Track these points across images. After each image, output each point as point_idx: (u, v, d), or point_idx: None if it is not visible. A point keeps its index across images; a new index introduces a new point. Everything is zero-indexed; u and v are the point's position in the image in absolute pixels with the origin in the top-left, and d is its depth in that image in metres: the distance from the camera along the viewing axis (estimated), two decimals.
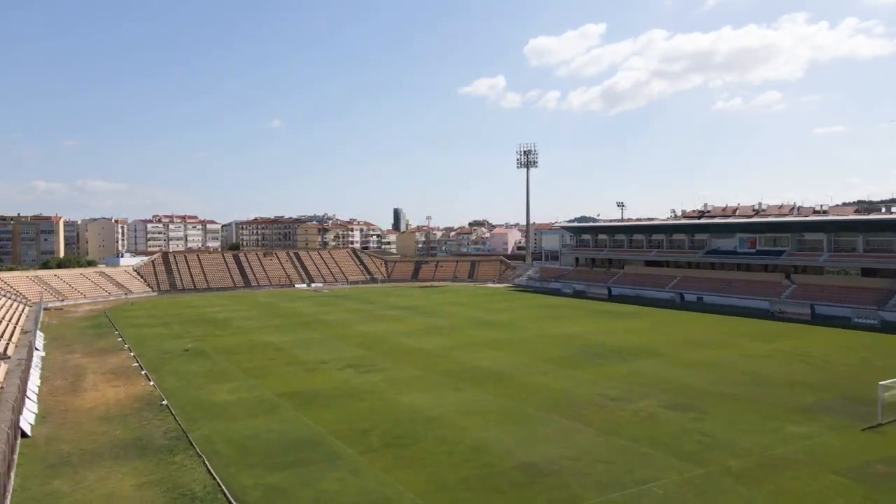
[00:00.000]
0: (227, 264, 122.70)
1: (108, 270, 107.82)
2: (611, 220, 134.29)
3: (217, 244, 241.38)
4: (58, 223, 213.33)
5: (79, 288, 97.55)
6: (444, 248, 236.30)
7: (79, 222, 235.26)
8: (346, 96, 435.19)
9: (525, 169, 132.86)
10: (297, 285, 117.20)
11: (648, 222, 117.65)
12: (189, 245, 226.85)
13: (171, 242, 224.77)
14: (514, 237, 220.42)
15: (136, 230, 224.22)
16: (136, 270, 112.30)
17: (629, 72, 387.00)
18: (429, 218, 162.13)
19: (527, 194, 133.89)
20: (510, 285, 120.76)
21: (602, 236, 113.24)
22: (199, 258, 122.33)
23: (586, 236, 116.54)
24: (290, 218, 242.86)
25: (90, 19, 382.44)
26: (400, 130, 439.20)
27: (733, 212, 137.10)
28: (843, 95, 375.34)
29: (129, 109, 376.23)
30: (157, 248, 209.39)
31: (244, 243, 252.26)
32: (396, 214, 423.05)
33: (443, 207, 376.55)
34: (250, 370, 43.23)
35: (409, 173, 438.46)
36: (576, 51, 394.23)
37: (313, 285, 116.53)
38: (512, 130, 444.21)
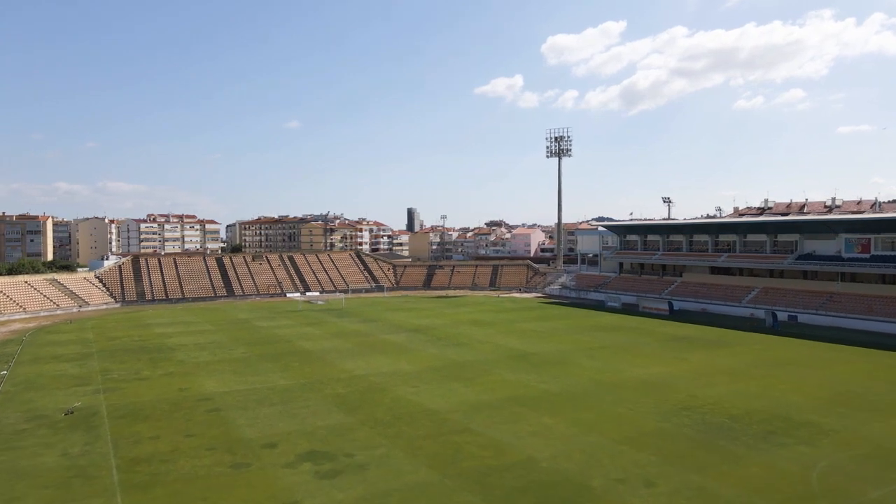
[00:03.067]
0: (208, 270, 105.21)
1: (62, 278, 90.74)
2: (667, 219, 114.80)
3: (217, 245, 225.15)
4: (45, 223, 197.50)
5: (19, 299, 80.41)
6: (460, 250, 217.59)
7: (71, 222, 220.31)
8: (363, 97, 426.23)
9: (556, 158, 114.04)
10: (289, 294, 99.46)
11: (715, 219, 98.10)
12: (187, 247, 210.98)
13: (166, 244, 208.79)
14: (538, 238, 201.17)
15: (128, 230, 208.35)
16: (97, 278, 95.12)
17: (649, 70, 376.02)
18: (443, 217, 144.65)
19: (558, 187, 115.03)
20: (540, 295, 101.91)
21: (653, 237, 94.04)
22: (175, 262, 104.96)
23: (633, 237, 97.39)
24: (295, 217, 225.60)
25: (109, 20, 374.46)
26: (415, 130, 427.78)
27: (800, 208, 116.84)
28: (870, 93, 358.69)
29: (148, 110, 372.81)
30: (150, 250, 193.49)
31: (246, 244, 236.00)
32: (410, 214, 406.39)
33: (458, 208, 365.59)
34: (134, 464, 25.12)
35: (423, 174, 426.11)
36: (595, 49, 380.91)
37: (308, 295, 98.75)
38: (528, 131, 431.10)
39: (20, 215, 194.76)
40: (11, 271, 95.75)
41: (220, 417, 32.15)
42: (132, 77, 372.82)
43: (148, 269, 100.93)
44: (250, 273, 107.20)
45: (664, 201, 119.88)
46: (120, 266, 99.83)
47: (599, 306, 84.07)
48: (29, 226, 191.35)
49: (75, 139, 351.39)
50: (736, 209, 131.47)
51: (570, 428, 29.73)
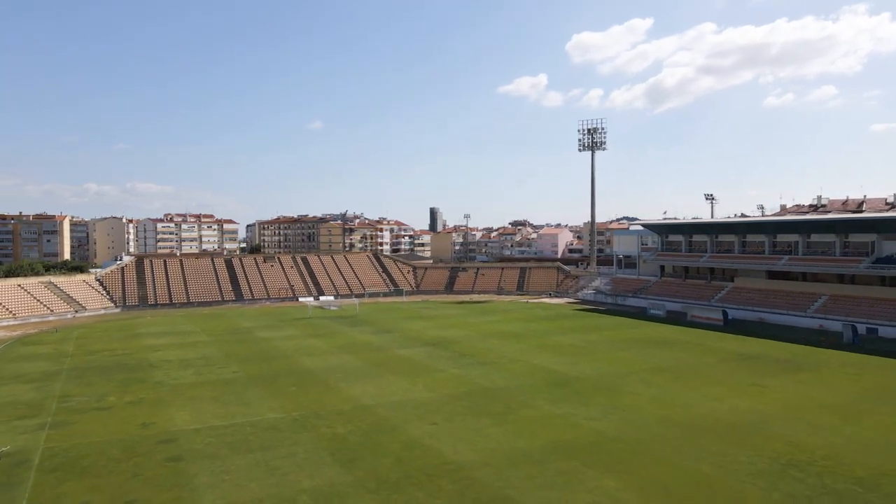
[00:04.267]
0: (216, 272, 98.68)
1: (60, 281, 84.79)
2: (719, 218, 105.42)
3: (235, 246, 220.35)
4: (62, 223, 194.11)
5: (10, 304, 74.50)
6: (483, 251, 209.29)
7: (89, 222, 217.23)
8: (386, 97, 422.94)
9: (588, 152, 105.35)
10: (301, 299, 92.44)
11: (774, 217, 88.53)
12: (204, 247, 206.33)
13: (183, 244, 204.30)
14: (566, 238, 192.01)
15: (145, 230, 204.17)
16: (98, 280, 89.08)
17: (676, 68, 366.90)
18: (467, 217, 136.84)
19: (591, 182, 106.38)
20: (573, 301, 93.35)
21: (699, 237, 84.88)
22: (181, 264, 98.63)
23: (676, 237, 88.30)
24: (315, 217, 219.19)
25: (137, 22, 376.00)
26: (438, 130, 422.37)
27: (858, 205, 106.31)
28: None
29: (174, 112, 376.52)
30: (167, 251, 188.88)
31: (265, 245, 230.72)
32: (432, 214, 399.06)
33: (481, 208, 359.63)
34: None
35: (446, 173, 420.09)
36: (621, 47, 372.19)
37: (322, 299, 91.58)
38: (552, 130, 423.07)
39: (37, 215, 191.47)
40: (9, 273, 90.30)
41: (179, 471, 24.64)
42: (159, 78, 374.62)
43: (152, 271, 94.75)
44: (261, 276, 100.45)
45: (706, 198, 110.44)
46: (123, 268, 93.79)
47: (641, 314, 75.32)
48: (45, 225, 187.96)
49: (105, 141, 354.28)
50: (783, 207, 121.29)
51: (644, 498, 21.58)
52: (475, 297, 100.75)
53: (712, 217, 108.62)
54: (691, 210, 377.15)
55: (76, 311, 79.23)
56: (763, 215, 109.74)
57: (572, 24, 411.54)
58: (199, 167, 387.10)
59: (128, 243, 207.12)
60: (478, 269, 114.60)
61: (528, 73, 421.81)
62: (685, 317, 71.06)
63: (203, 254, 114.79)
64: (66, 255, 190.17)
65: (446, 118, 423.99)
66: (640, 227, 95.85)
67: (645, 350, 51.43)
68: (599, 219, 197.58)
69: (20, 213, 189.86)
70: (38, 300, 78.02)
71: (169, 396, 36.73)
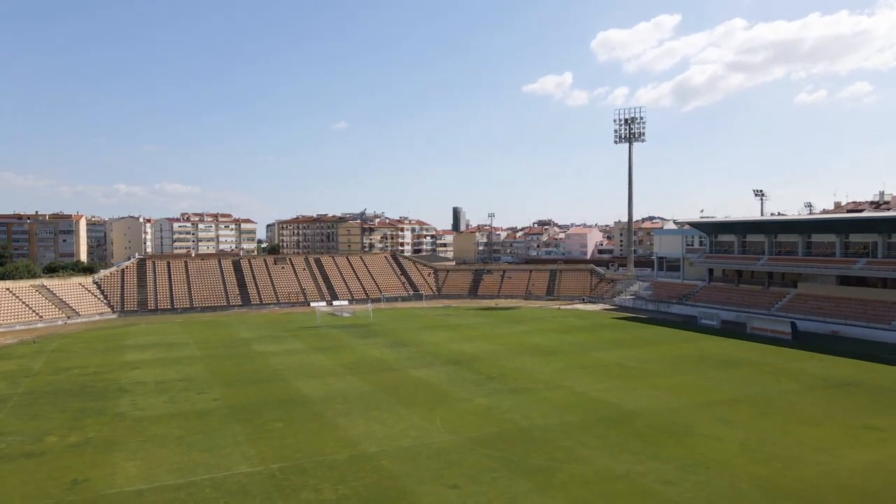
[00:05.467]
0: (222, 275, 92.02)
1: (53, 284, 78.76)
2: (781, 215, 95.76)
3: (253, 246, 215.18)
4: (78, 222, 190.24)
5: None
6: (509, 251, 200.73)
7: (106, 221, 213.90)
8: (411, 97, 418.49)
9: (625, 144, 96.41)
10: (313, 303, 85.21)
11: (849, 214, 78.71)
12: (222, 247, 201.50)
13: (200, 244, 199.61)
14: (595, 238, 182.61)
15: (161, 230, 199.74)
16: (96, 283, 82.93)
17: (704, 65, 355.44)
18: (491, 216, 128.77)
19: (629, 176, 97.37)
20: (610, 307, 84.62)
21: (754, 237, 75.56)
22: (186, 266, 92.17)
23: (727, 237, 79.02)
24: (334, 216, 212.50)
25: (163, 23, 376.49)
26: (462, 130, 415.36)
27: None
28: None
29: (201, 113, 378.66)
30: (184, 251, 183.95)
31: (284, 245, 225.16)
32: (455, 214, 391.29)
33: (504, 208, 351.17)
34: None
35: (469, 173, 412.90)
36: (647, 44, 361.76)
37: (335, 304, 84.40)
38: (577, 129, 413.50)
39: (53, 214, 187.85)
40: (4, 276, 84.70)
41: None
42: (185, 79, 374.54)
43: (155, 273, 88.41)
44: (270, 278, 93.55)
45: (756, 194, 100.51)
46: (123, 270, 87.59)
47: (690, 325, 66.41)
48: (61, 225, 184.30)
49: (133, 142, 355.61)
50: (837, 204, 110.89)
51: None
52: (501, 302, 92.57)
53: (762, 215, 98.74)
54: (725, 209, 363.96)
55: (68, 318, 73.03)
56: (823, 213, 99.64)
57: (598, 21, 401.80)
58: (224, 168, 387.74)
59: (144, 243, 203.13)
60: (504, 271, 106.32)
61: (553, 71, 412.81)
62: (744, 328, 62.00)
63: (209, 255, 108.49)
64: (83, 256, 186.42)
65: (470, 117, 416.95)
66: (686, 226, 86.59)
67: (709, 372, 42.80)
68: (626, 218, 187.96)
69: (36, 212, 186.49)
70: (28, 305, 71.95)
71: (124, 436, 29.35)
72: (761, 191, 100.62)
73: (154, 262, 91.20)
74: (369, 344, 55.50)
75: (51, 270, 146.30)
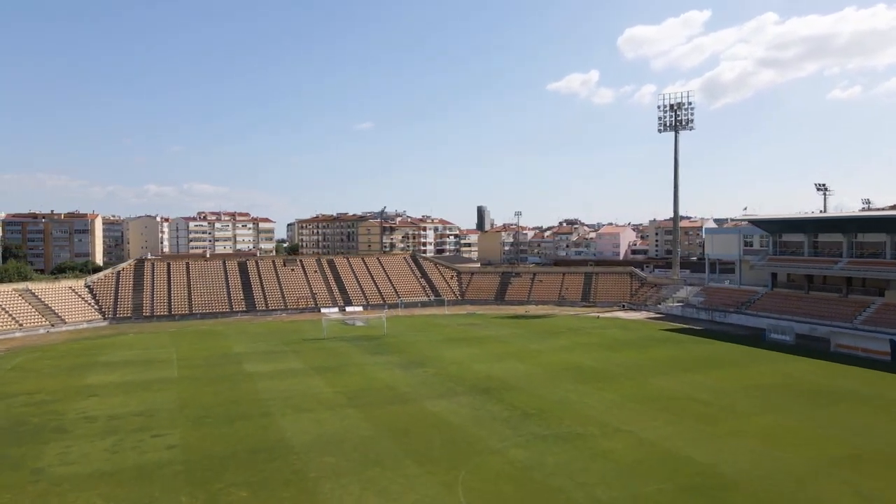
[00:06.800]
0: (226, 277, 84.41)
1: (40, 288, 71.79)
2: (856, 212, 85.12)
3: (271, 245, 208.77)
4: (94, 221, 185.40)
5: None
6: (536, 251, 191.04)
7: (123, 220, 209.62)
8: (435, 96, 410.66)
9: (671, 133, 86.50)
10: (323, 309, 77.17)
11: None
12: (239, 247, 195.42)
13: (216, 244, 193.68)
14: (628, 237, 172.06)
15: (177, 229, 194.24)
16: (88, 287, 75.87)
17: (734, 61, 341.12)
18: (518, 214, 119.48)
19: (675, 169, 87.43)
20: (655, 316, 74.89)
21: (829, 237, 65.18)
22: (187, 268, 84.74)
23: (794, 237, 68.74)
24: (354, 215, 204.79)
25: (188, 24, 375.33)
26: (486, 129, 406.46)
27: None
28: None
29: (228, 113, 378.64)
30: (200, 251, 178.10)
31: (304, 244, 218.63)
32: (480, 213, 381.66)
33: (529, 207, 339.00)
34: None
35: (493, 172, 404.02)
36: (676, 40, 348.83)
37: (348, 310, 76.16)
38: (603, 128, 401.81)
39: (68, 213, 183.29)
40: None
41: None
42: (213, 79, 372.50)
43: (153, 275, 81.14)
44: (278, 282, 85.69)
45: (818, 189, 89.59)
46: (118, 272, 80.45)
47: (758, 339, 56.46)
48: (77, 224, 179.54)
49: (162, 142, 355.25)
50: (866, 203, 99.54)
51: None
52: (531, 308, 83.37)
53: (825, 211, 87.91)
54: (760, 208, 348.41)
55: (52, 326, 65.96)
56: (880, 210, 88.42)
57: (625, 17, 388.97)
58: (251, 168, 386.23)
59: (161, 243, 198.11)
60: (534, 274, 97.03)
61: (578, 69, 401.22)
62: (825, 346, 51.99)
63: (215, 256, 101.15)
64: (99, 256, 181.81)
65: (494, 116, 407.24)
66: (743, 223, 76.30)
67: (805, 409, 33.23)
68: (659, 217, 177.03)
69: (52, 211, 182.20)
70: (8, 312, 65.01)
71: None
72: (824, 185, 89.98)
73: (153, 264, 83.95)
74: (380, 363, 46.90)
75: (59, 271, 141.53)
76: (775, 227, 69.35)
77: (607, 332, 62.38)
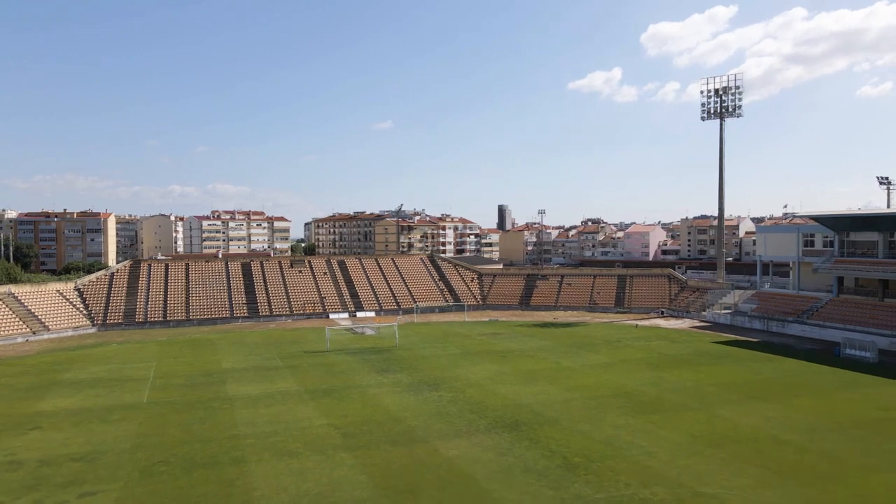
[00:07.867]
0: (228, 280, 78.03)
1: (23, 291, 65.96)
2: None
3: (286, 245, 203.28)
4: (107, 220, 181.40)
5: None
6: (560, 251, 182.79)
7: (137, 220, 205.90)
8: (457, 95, 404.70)
9: (717, 120, 78.11)
10: (332, 315, 70.49)
11: None
12: (253, 247, 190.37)
13: (230, 243, 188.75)
14: (658, 237, 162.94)
15: (191, 228, 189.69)
16: (77, 291, 69.99)
17: (760, 58, 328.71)
18: (541, 213, 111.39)
19: (720, 161, 79.08)
20: (700, 324, 66.69)
21: None
22: (187, 270, 78.50)
23: (863, 236, 60.12)
24: (371, 214, 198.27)
25: (210, 26, 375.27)
26: (506, 128, 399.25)
27: None
28: None
29: (250, 114, 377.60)
30: (213, 250, 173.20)
31: (320, 244, 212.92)
32: (501, 212, 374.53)
33: (550, 206, 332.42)
34: None
35: (514, 171, 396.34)
36: (700, 37, 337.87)
37: (359, 315, 69.30)
38: (626, 126, 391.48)
39: (81, 212, 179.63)
40: None
41: None
42: (233, 81, 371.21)
43: (149, 278, 75.06)
44: (284, 285, 79.06)
45: (881, 182, 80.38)
46: (112, 275, 74.50)
47: (829, 356, 48.17)
48: (89, 224, 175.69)
49: (186, 144, 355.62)
50: None
51: None
52: (560, 315, 75.66)
53: (889, 207, 78.66)
54: (793, 207, 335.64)
55: (33, 333, 60.04)
56: None
57: (648, 14, 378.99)
58: (272, 168, 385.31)
59: (175, 242, 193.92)
60: (562, 277, 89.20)
61: (601, 67, 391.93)
62: None
63: (215, 258, 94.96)
64: (112, 256, 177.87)
65: (515, 115, 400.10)
66: (806, 220, 67.66)
67: None
68: (690, 215, 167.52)
69: (65, 210, 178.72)
70: None
71: None
72: (887, 178, 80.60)
73: (150, 265, 77.89)
74: (386, 384, 39.75)
75: (66, 271, 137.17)
76: (843, 224, 60.70)
77: (650, 344, 54.50)
